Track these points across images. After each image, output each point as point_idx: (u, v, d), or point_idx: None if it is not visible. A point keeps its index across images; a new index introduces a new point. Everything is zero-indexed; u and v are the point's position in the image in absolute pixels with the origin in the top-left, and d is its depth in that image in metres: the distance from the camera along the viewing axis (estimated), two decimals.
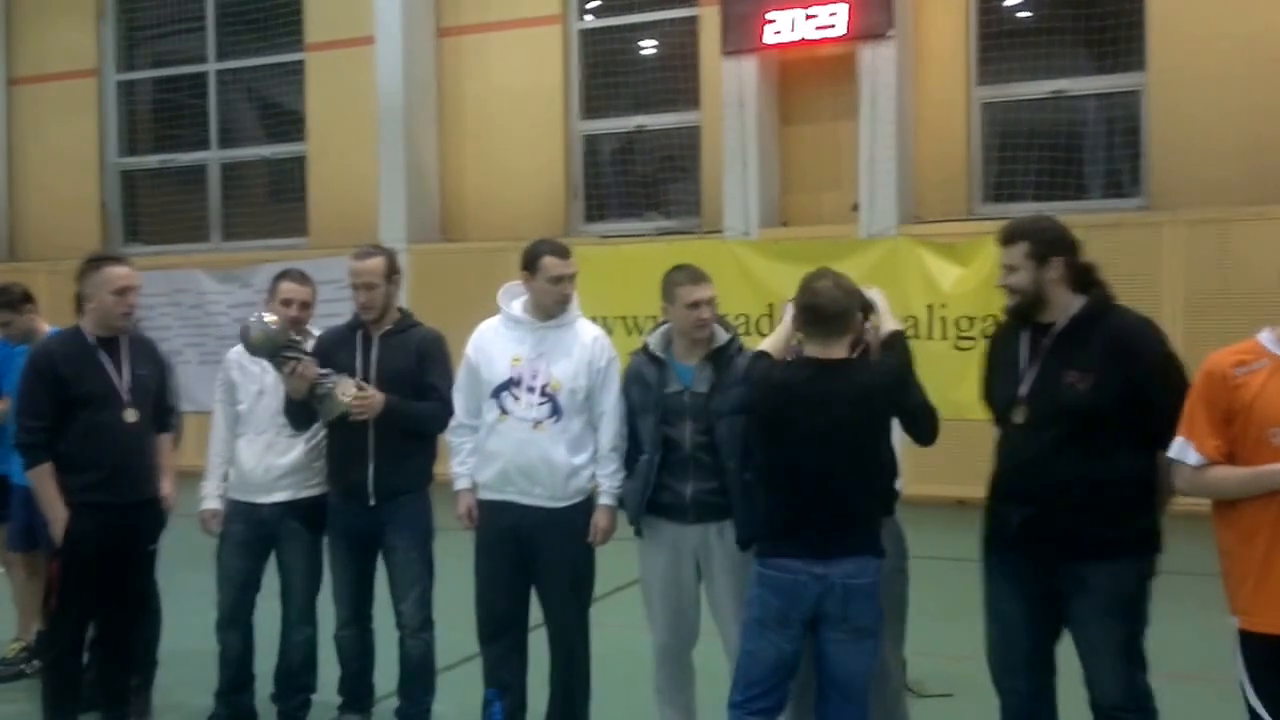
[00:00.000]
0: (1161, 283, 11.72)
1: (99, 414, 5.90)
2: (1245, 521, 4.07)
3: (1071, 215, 12.23)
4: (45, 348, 6.11)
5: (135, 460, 6.03)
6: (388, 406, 5.84)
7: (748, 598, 4.92)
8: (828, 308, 4.76)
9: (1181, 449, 4.18)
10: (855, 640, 4.70)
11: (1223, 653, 4.29)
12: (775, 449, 4.80)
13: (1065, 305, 4.65)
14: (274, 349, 5.82)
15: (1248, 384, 4.05)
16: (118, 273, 5.98)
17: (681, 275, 5.43)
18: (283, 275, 6.35)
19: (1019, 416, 4.67)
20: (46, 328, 7.18)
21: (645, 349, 5.56)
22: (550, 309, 5.71)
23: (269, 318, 5.87)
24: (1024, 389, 4.67)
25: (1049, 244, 4.64)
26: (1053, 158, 13.18)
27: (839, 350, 4.77)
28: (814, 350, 4.80)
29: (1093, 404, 4.51)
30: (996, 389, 4.86)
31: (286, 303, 6.20)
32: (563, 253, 5.72)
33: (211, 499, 6.33)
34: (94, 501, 5.85)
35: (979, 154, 13.54)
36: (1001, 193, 13.36)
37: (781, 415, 4.76)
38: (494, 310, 5.97)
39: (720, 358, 5.42)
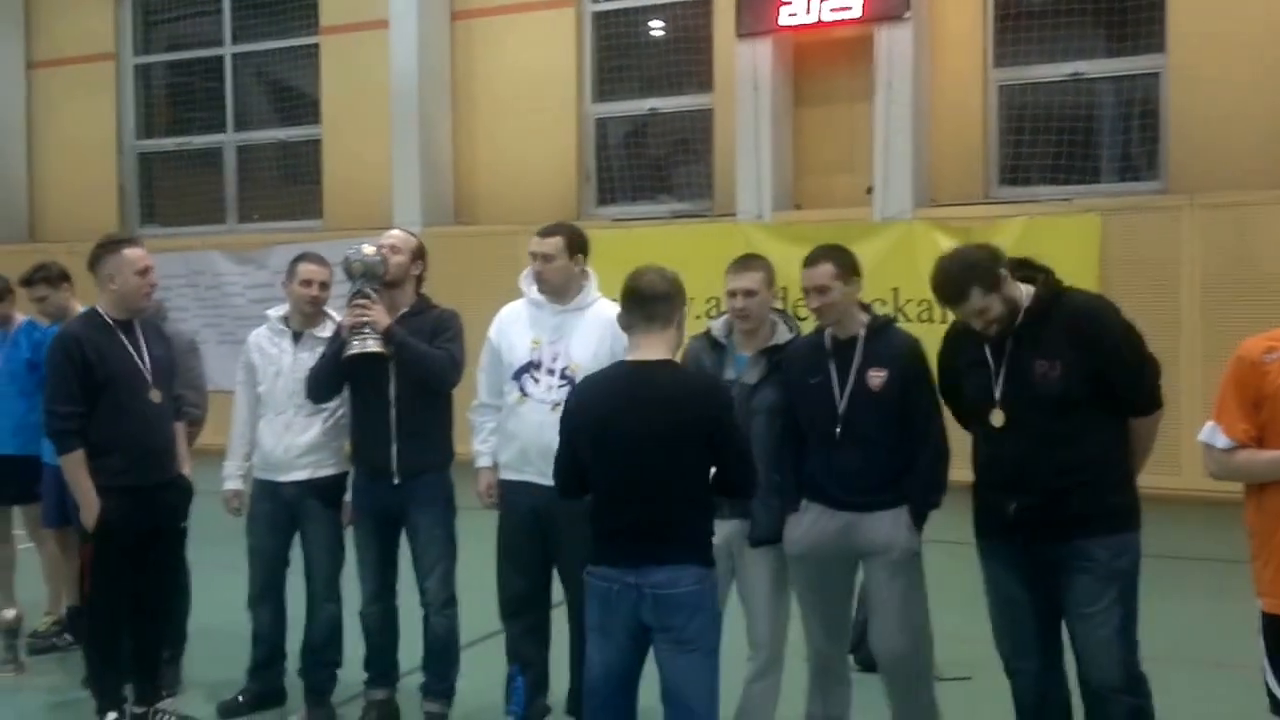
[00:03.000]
0: (1179, 267, 11.73)
1: (125, 396, 5.92)
2: (1272, 504, 4.13)
3: (1088, 199, 12.39)
4: (69, 332, 6.08)
5: (161, 440, 6.07)
6: (396, 337, 5.85)
7: None
8: (647, 289, 4.62)
9: (1211, 433, 4.22)
10: (681, 652, 4.44)
11: (1237, 639, 4.34)
12: (592, 453, 4.55)
13: (1018, 299, 4.72)
14: (371, 277, 5.88)
15: (1278, 370, 4.10)
16: (138, 254, 6.01)
17: (732, 263, 5.41)
18: (301, 257, 6.39)
19: (997, 419, 4.75)
20: (79, 308, 7.23)
21: (707, 334, 5.53)
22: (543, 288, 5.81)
23: (368, 249, 5.91)
24: (998, 390, 4.75)
25: (990, 274, 4.65)
26: (1069, 140, 13.14)
27: (658, 349, 4.57)
28: (633, 349, 4.64)
29: (1065, 389, 4.61)
30: (966, 391, 4.91)
31: (306, 283, 6.26)
32: (543, 233, 5.82)
33: (233, 479, 6.41)
34: (124, 484, 5.88)
35: (995, 136, 13.49)
36: (1017, 176, 13.35)
37: (595, 420, 4.54)
38: (507, 292, 6.05)
39: (775, 354, 5.37)
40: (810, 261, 5.19)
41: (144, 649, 6.22)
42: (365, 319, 5.82)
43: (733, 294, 5.34)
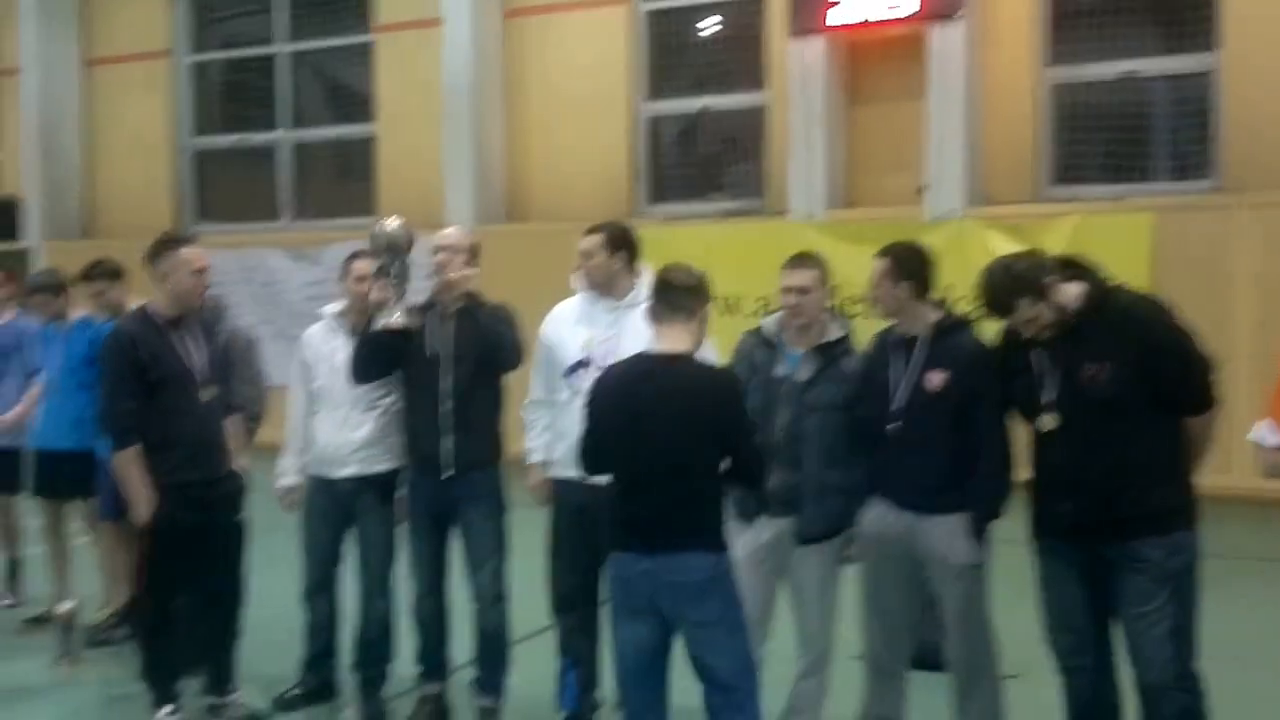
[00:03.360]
0: (1231, 266, 11.62)
1: (178, 393, 6.01)
2: None
3: (1141, 198, 12.31)
4: (124, 329, 6.16)
5: (214, 437, 6.16)
6: (476, 299, 5.97)
7: None
8: (674, 280, 4.79)
9: (1262, 432, 4.22)
10: (704, 634, 4.60)
11: None
12: (610, 444, 4.74)
13: (1067, 301, 4.72)
14: (395, 250, 5.93)
15: None
16: (194, 253, 6.10)
17: (788, 261, 5.46)
18: (356, 255, 6.44)
19: (1049, 423, 4.77)
20: (135, 304, 7.32)
21: (759, 331, 5.59)
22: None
23: (392, 222, 5.97)
24: (1048, 395, 4.76)
25: (1035, 283, 4.68)
26: (1122, 139, 13.06)
27: (679, 340, 4.73)
28: (656, 340, 4.78)
29: (1115, 390, 4.61)
30: (1018, 394, 4.93)
31: (360, 280, 6.31)
32: (587, 230, 5.91)
33: (289, 475, 6.47)
34: (176, 480, 5.97)
35: (1047, 135, 13.40)
36: (1070, 175, 13.27)
37: (613, 410, 4.72)
38: (558, 290, 6.10)
39: (828, 352, 5.43)
40: (874, 258, 5.27)
41: (211, 642, 6.31)
42: (388, 295, 5.91)
43: (787, 290, 5.40)
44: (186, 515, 5.99)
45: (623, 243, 5.90)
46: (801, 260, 5.47)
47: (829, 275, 5.51)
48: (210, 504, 6.12)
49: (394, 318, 5.91)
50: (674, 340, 4.72)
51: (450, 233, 6.19)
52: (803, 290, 5.37)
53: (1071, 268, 4.84)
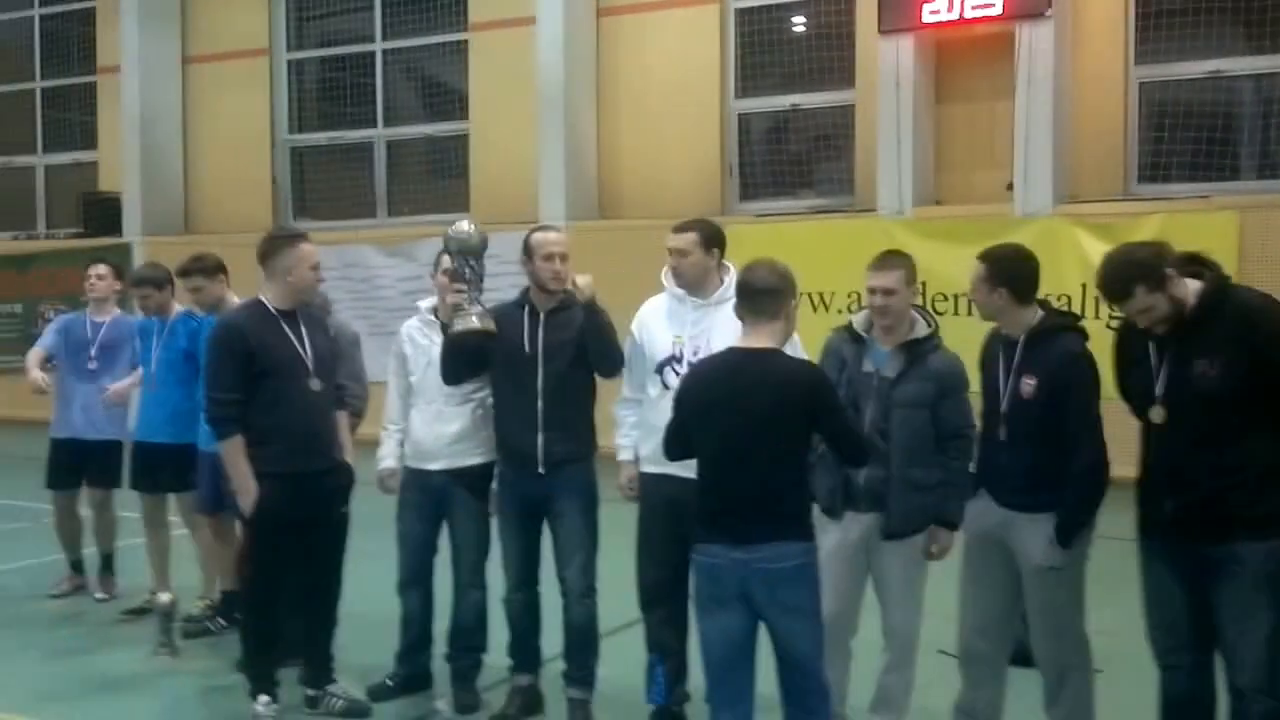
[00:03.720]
0: None
1: (286, 384, 6.09)
2: None
3: (1227, 196, 12.25)
4: (232, 321, 6.26)
5: (322, 428, 6.26)
6: (594, 305, 6.01)
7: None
8: (756, 283, 4.87)
9: None
10: (792, 619, 4.72)
11: None
12: (699, 436, 4.85)
13: (1185, 297, 4.66)
14: (469, 252, 6.00)
15: None
16: (311, 249, 6.24)
17: (874, 261, 5.53)
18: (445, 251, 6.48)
19: (1158, 416, 4.73)
20: (234, 299, 7.42)
21: (848, 327, 5.66)
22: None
23: (465, 225, 6.03)
24: (1159, 388, 4.72)
25: (1154, 271, 4.63)
26: (1208, 137, 13.00)
27: (766, 338, 4.83)
28: (744, 337, 4.88)
29: (1226, 388, 4.56)
30: (1131, 387, 4.90)
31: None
32: (678, 228, 5.95)
33: (389, 459, 6.57)
34: (284, 471, 6.07)
35: (1135, 133, 13.39)
36: (1156, 173, 13.24)
37: (703, 403, 4.83)
38: (649, 287, 6.15)
39: (915, 349, 5.49)
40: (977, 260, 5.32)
41: (313, 632, 6.43)
42: (462, 298, 5.98)
43: (873, 291, 5.46)
44: (292, 506, 6.11)
45: (716, 240, 5.95)
46: (887, 261, 5.53)
47: (915, 274, 5.57)
48: (316, 496, 6.22)
49: (470, 321, 5.99)
50: (761, 338, 4.82)
51: (558, 238, 6.22)
52: (888, 291, 5.44)
53: (1194, 263, 4.78)
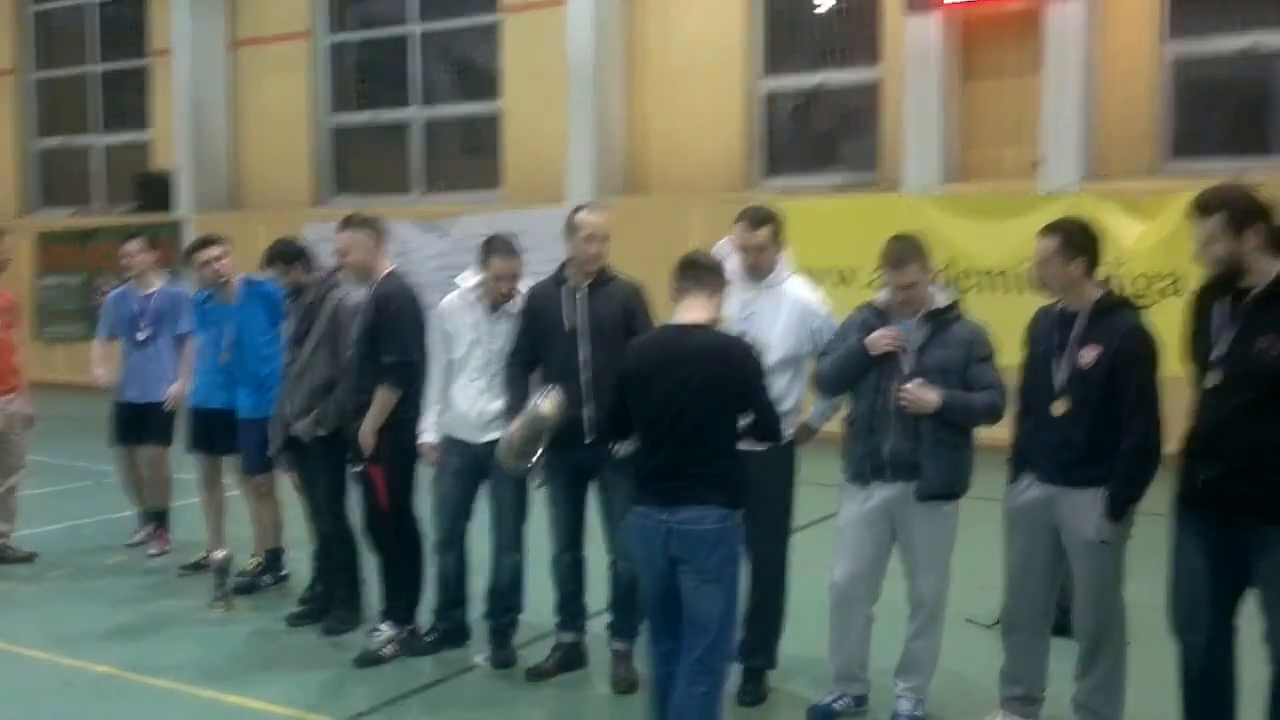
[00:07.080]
0: None
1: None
2: None
3: (1260, 172, 12.22)
4: (414, 292, 6.82)
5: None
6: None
7: None
8: (701, 260, 5.15)
9: None
10: (701, 582, 4.87)
11: None
12: (637, 407, 5.04)
13: (1265, 271, 4.52)
14: (544, 428, 5.96)
15: None
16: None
17: (889, 261, 5.62)
18: (491, 249, 6.53)
19: (1211, 380, 4.62)
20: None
21: (872, 304, 5.80)
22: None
23: (548, 406, 5.90)
24: (1217, 353, 4.61)
25: (1245, 213, 4.50)
26: (1239, 114, 12.96)
27: (700, 312, 5.03)
28: (679, 312, 5.07)
29: None
30: (1197, 349, 4.76)
31: (499, 278, 6.52)
32: (752, 224, 5.98)
33: (429, 433, 6.76)
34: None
35: (1164, 110, 13.32)
36: (1187, 149, 13.16)
37: (641, 376, 5.02)
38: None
39: (939, 317, 5.62)
40: (1040, 235, 5.32)
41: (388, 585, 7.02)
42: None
43: (895, 289, 5.62)
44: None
45: (781, 228, 6.03)
46: (902, 258, 5.59)
47: (927, 253, 5.67)
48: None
49: (532, 462, 6.07)
50: (695, 312, 5.03)
51: (600, 220, 6.34)
52: (910, 286, 5.59)
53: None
